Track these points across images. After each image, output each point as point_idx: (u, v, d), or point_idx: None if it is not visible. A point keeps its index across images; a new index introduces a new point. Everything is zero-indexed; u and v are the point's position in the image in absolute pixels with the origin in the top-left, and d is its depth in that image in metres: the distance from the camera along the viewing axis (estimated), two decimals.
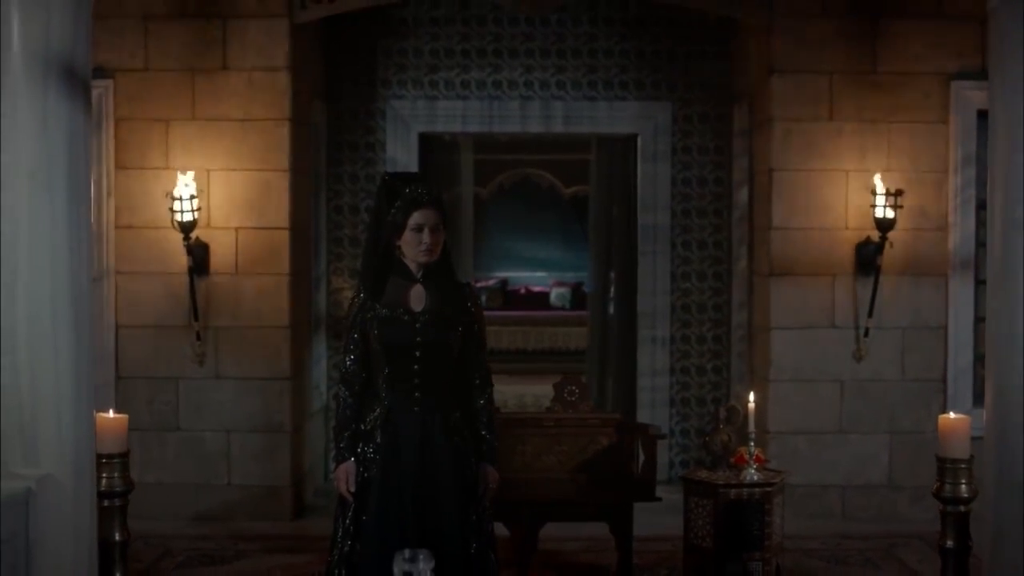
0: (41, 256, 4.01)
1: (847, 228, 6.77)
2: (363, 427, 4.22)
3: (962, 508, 4.60)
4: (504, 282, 15.81)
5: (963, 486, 4.59)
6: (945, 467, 4.61)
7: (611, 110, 7.67)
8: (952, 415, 4.71)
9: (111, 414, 4.59)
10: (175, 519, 6.60)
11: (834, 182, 6.77)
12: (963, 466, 4.59)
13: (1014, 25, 4.07)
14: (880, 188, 6.62)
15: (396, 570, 2.83)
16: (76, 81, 4.04)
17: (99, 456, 4.37)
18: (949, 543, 4.60)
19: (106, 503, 4.46)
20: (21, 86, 3.99)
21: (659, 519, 6.19)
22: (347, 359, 4.27)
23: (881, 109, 6.77)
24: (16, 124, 3.99)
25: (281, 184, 6.75)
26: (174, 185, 6.52)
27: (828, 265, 6.78)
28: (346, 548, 4.22)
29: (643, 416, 7.48)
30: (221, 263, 6.72)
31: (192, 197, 6.50)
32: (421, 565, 2.77)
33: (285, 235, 6.75)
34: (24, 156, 4.00)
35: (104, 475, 4.47)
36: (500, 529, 4.69)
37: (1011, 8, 4.08)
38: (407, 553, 2.84)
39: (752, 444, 5.27)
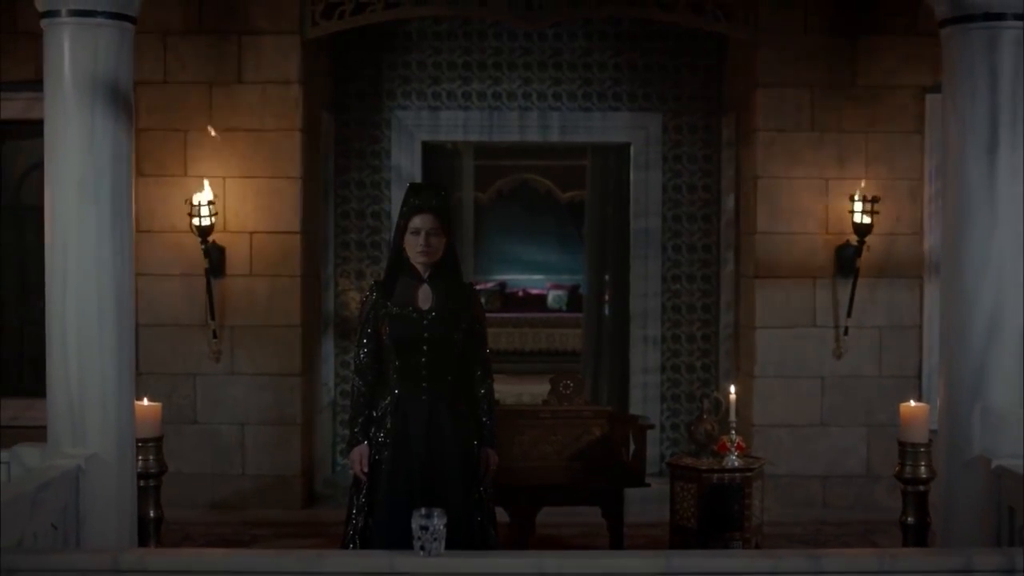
0: (88, 259, 4.55)
1: (827, 233, 7.25)
2: (375, 414, 4.68)
3: (921, 488, 5.12)
4: (503, 284, 16.20)
5: (922, 467, 5.12)
6: (906, 450, 5.14)
7: (605, 120, 8.14)
8: (912, 403, 5.23)
9: (146, 402, 5.11)
10: (193, 506, 7.09)
11: (815, 189, 7.27)
12: (922, 449, 5.12)
13: (962, 51, 4.61)
14: (858, 195, 7.13)
15: (414, 525, 3.35)
16: (120, 101, 4.59)
17: (136, 440, 4.89)
18: (910, 519, 5.13)
19: (142, 483, 4.97)
20: (71, 105, 4.54)
21: (649, 507, 6.71)
22: (360, 352, 4.75)
23: (859, 120, 7.25)
24: (66, 139, 4.55)
25: (292, 191, 7.25)
26: (192, 192, 7.03)
27: (809, 268, 7.26)
28: (359, 523, 4.69)
29: (635, 412, 7.96)
30: (236, 265, 7.20)
31: (210, 203, 7.01)
32: (435, 521, 3.30)
33: (296, 239, 7.25)
34: (73, 168, 4.55)
35: (140, 457, 4.97)
36: (500, 515, 5.20)
37: (960, 37, 4.63)
38: (423, 510, 3.36)
39: (733, 432, 5.79)
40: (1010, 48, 4.56)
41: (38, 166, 7.35)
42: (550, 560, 3.38)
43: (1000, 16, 4.56)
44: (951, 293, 4.68)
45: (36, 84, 7.01)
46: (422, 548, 3.34)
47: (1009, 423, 4.55)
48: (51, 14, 4.57)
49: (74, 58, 4.53)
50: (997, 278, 4.56)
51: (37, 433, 6.68)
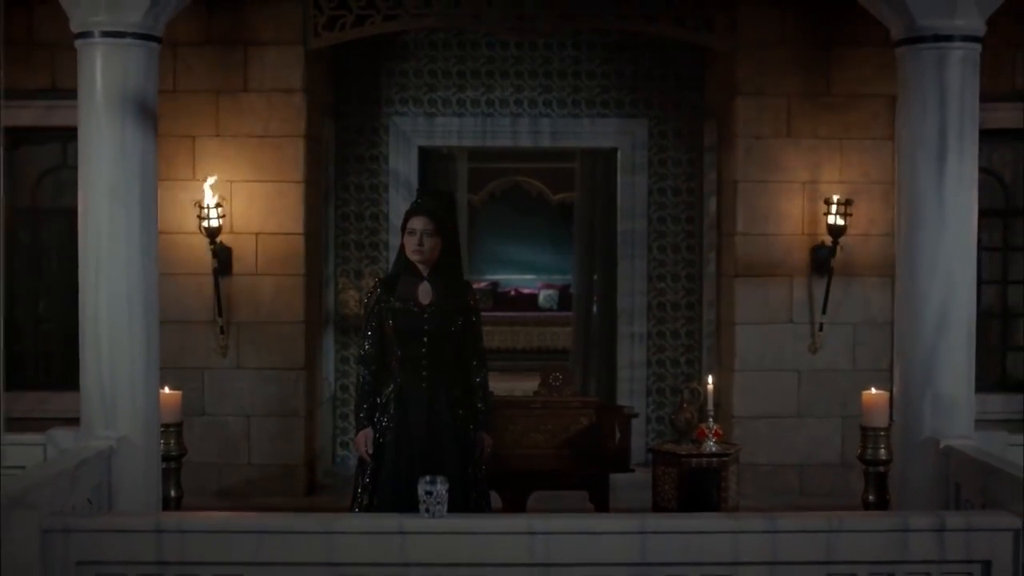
0: (118, 258, 5.10)
1: (803, 234, 7.77)
2: (379, 400, 5.22)
3: (881, 468, 5.69)
4: (495, 284, 16.71)
5: (882, 450, 5.68)
6: (867, 434, 5.71)
7: (593, 126, 8.70)
8: (873, 391, 5.80)
9: (167, 390, 5.64)
10: (201, 494, 7.58)
11: (792, 193, 7.81)
12: (882, 433, 5.68)
13: (914, 69, 5.19)
14: (833, 198, 7.68)
15: (420, 491, 3.90)
16: (147, 114, 5.14)
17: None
18: (871, 497, 5.70)
19: (163, 465, 5.50)
20: (103, 118, 5.09)
21: (634, 493, 7.25)
22: (366, 344, 5.29)
23: (834, 127, 7.77)
24: (99, 149, 5.10)
25: (296, 194, 7.77)
26: (201, 195, 7.56)
27: (786, 267, 7.79)
28: (364, 501, 5.23)
29: (622, 404, 8.52)
30: (243, 265, 7.72)
31: (217, 205, 7.55)
32: (439, 486, 3.85)
33: (300, 240, 7.77)
34: (105, 176, 5.10)
35: (162, 441, 5.51)
36: (494, 499, 5.73)
37: (912, 56, 5.20)
38: (428, 478, 3.92)
39: (711, 420, 6.35)
40: (957, 67, 5.13)
41: (53, 170, 8.01)
42: (539, 521, 3.94)
43: (948, 38, 5.13)
44: (904, 290, 5.25)
45: (51, 92, 7.67)
46: (427, 511, 3.89)
47: (957, 408, 5.13)
48: (85, 35, 5.11)
49: (106, 75, 5.07)
50: (945, 276, 5.13)
51: (52, 424, 7.21)
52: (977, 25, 5.15)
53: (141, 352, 5.12)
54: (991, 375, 8.09)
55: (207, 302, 7.71)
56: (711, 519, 4.27)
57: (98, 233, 5.07)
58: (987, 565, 3.94)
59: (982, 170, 7.76)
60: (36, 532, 3.84)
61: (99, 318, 5.08)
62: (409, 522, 3.90)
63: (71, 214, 7.66)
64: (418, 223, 5.17)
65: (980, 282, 7.99)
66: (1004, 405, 7.80)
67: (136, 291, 5.10)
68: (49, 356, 8.11)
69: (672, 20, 7.76)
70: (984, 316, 8.04)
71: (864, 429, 5.73)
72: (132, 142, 5.08)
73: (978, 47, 5.19)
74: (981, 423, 7.05)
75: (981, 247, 7.93)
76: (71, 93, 7.04)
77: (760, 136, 7.81)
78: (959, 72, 5.14)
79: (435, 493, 3.85)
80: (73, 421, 6.86)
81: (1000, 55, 7.71)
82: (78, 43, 5.15)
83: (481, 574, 3.85)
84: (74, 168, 7.77)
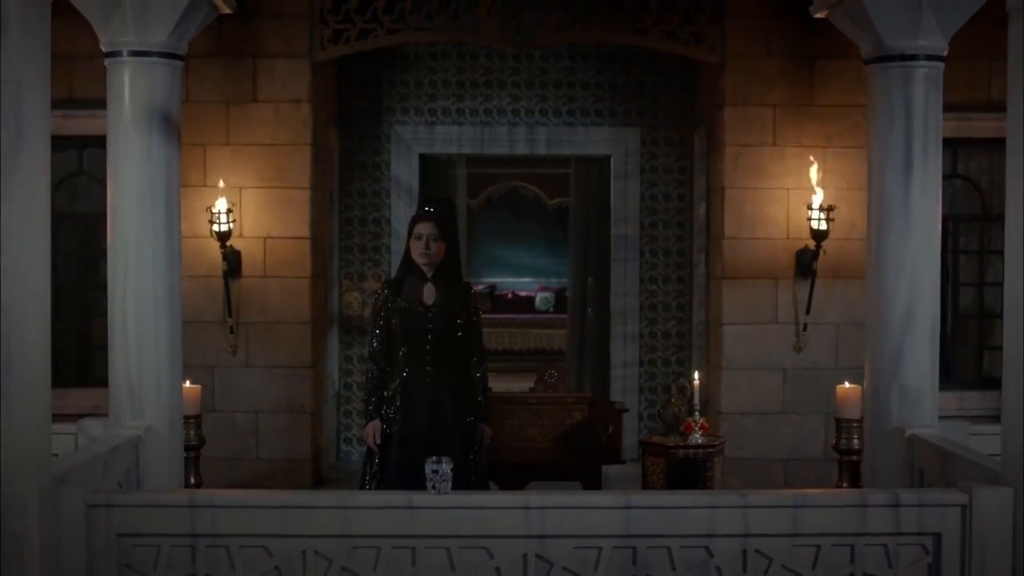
0: (144, 261, 5.60)
1: (788, 238, 8.22)
2: (386, 394, 5.73)
3: (854, 457, 6.18)
4: (493, 287, 17.21)
5: (855, 440, 6.17)
6: (841, 425, 6.21)
7: (588, 134, 9.22)
8: (847, 385, 6.29)
9: (188, 384, 6.13)
10: (212, 487, 7.97)
11: (777, 199, 8.28)
12: (855, 424, 6.18)
13: (882, 85, 5.71)
14: (816, 203, 8.17)
15: (427, 470, 4.41)
16: (171, 127, 5.64)
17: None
18: (844, 484, 6.19)
19: (184, 454, 5.99)
20: (130, 131, 5.59)
21: (626, 485, 7.78)
22: (373, 341, 5.80)
23: (817, 136, 8.22)
24: (127, 160, 5.60)
25: (303, 200, 8.25)
26: (212, 201, 8.05)
27: (772, 270, 8.24)
28: (372, 488, 5.73)
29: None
30: (251, 267, 8.18)
31: (228, 211, 8.04)
32: (444, 466, 4.36)
33: (306, 244, 8.24)
34: (133, 184, 5.60)
35: (183, 431, 5.99)
36: (492, 489, 6.22)
37: (881, 74, 5.72)
38: (434, 458, 4.42)
39: (697, 414, 6.84)
40: (922, 84, 5.65)
41: (69, 177, 8.50)
42: (534, 497, 4.45)
43: (914, 57, 5.65)
44: (873, 290, 5.76)
45: (68, 103, 8.16)
46: (433, 487, 4.40)
47: (921, 399, 5.64)
48: (114, 54, 5.62)
49: (133, 91, 5.57)
50: (911, 277, 5.64)
51: (69, 420, 7.67)
52: (940, 45, 5.66)
53: (165, 348, 5.62)
54: (969, 373, 8.59)
55: (218, 303, 8.17)
56: (690, 495, 4.77)
57: (126, 237, 5.56)
58: (937, 537, 4.44)
59: (960, 177, 8.38)
60: (81, 507, 4.33)
61: (127, 316, 5.57)
62: (417, 497, 4.41)
63: (86, 219, 8.30)
64: (425, 228, 5.66)
65: (958, 284, 8.55)
66: (981, 402, 8.28)
67: (161, 291, 5.59)
68: (65, 355, 8.58)
69: (663, 34, 8.22)
70: (963, 317, 8.59)
71: (839, 421, 6.21)
72: (157, 153, 5.57)
73: (941, 65, 5.70)
74: (960, 418, 7.60)
75: (959, 251, 8.50)
76: (87, 103, 7.65)
77: (747, 144, 8.26)
78: (923, 88, 5.65)
79: (440, 471, 4.35)
80: (87, 416, 7.38)
81: (977, 68, 8.20)
82: (107, 61, 5.65)
83: (482, 544, 4.35)
84: (89, 175, 8.39)
